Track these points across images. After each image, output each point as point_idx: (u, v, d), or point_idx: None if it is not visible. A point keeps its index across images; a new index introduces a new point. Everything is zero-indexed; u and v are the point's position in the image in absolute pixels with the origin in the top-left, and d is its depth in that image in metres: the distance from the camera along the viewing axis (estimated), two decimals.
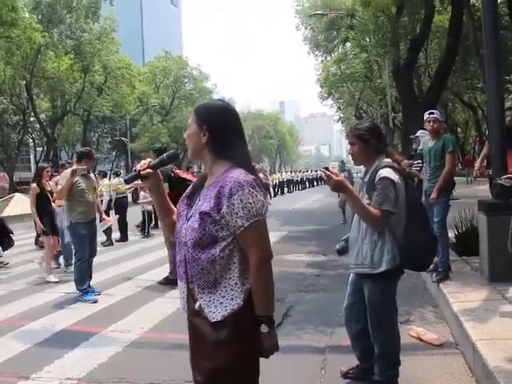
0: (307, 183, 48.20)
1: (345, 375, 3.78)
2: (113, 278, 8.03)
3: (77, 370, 4.13)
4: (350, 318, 3.65)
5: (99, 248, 8.52)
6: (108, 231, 11.22)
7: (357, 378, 3.71)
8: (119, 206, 13.02)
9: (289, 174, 44.65)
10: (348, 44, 31.16)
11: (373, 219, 3.15)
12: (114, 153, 60.90)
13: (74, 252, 6.91)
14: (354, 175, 16.43)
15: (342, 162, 18.47)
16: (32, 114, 42.84)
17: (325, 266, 8.40)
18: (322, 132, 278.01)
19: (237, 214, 1.96)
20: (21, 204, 16.16)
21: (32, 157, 56.35)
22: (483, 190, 4.92)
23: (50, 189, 8.43)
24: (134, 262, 9.29)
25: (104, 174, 14.44)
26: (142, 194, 12.04)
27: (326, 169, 3.08)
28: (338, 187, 3.09)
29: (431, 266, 5.18)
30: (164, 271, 7.64)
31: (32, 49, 34.24)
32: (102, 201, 10.72)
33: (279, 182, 36.79)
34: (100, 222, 7.72)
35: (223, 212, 1.98)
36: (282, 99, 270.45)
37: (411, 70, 19.24)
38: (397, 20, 18.30)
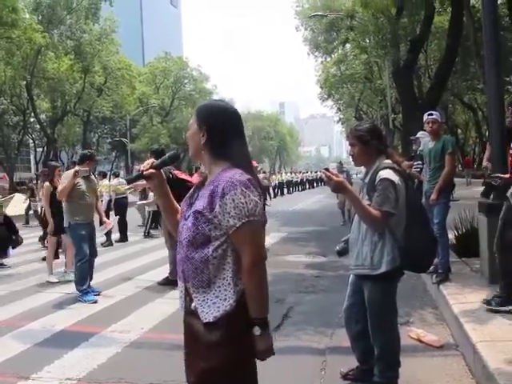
0: (307, 184, 48.17)
1: (345, 376, 3.77)
2: (113, 278, 8.03)
3: (77, 371, 4.13)
4: (350, 319, 3.65)
5: (99, 248, 8.51)
6: (108, 232, 11.22)
7: (357, 380, 3.70)
8: (119, 206, 13.03)
9: (288, 175, 44.65)
10: (348, 45, 31.20)
11: (373, 220, 3.15)
12: (113, 153, 60.93)
13: (74, 253, 6.92)
14: (353, 176, 16.45)
15: (340, 163, 18.49)
16: (32, 114, 42.86)
17: (325, 267, 8.40)
18: (321, 133, 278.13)
19: (229, 213, 1.95)
20: (19, 205, 16.20)
21: (32, 157, 56.40)
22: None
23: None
24: (134, 263, 9.29)
25: (104, 175, 14.43)
26: (151, 194, 12.02)
27: (327, 170, 3.08)
28: (338, 188, 3.09)
29: (431, 268, 5.18)
30: (164, 272, 7.64)
31: (32, 49, 34.23)
32: (101, 201, 10.70)
33: (279, 182, 36.80)
34: (100, 225, 7.71)
35: (216, 211, 1.97)
36: (282, 100, 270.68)
37: (411, 71, 19.25)
38: (397, 21, 18.31)
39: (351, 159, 3.56)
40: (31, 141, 51.17)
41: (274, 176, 38.17)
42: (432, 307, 5.69)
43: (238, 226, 1.95)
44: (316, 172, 54.10)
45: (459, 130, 46.51)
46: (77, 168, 6.88)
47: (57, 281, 7.69)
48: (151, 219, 13.63)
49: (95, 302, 6.51)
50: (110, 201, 12.94)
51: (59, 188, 6.97)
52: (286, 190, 38.64)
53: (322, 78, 40.87)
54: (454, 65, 18.47)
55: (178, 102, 59.89)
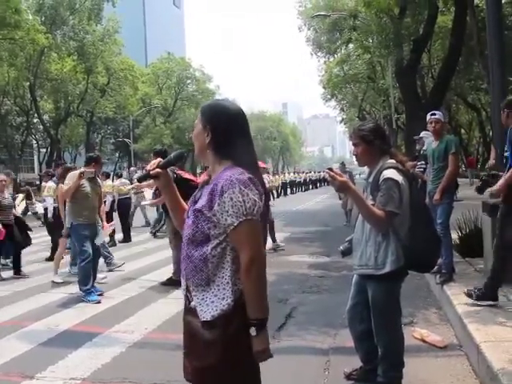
0: (310, 184, 48.14)
1: (348, 376, 3.77)
2: (116, 278, 8.05)
3: (81, 370, 4.15)
4: (354, 319, 3.65)
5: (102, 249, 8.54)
6: (111, 232, 11.23)
7: (360, 380, 3.70)
8: (122, 207, 13.03)
9: (292, 175, 44.61)
10: (351, 45, 31.11)
11: (377, 220, 3.15)
12: (116, 154, 61.06)
13: (77, 253, 6.93)
14: (356, 177, 16.44)
15: (343, 163, 18.47)
16: (35, 115, 42.99)
17: (328, 267, 8.39)
18: (324, 133, 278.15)
19: (227, 211, 1.95)
20: (21, 205, 16.23)
21: (36, 158, 56.52)
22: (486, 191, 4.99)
23: None
24: (138, 263, 9.30)
25: (107, 175, 14.45)
26: (148, 192, 12.02)
27: (331, 169, 3.08)
28: (342, 188, 3.09)
29: (435, 268, 5.17)
30: (167, 272, 7.64)
31: (35, 50, 34.34)
32: (105, 202, 10.69)
33: (282, 183, 36.78)
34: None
35: (215, 210, 1.98)
36: (285, 100, 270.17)
37: (414, 71, 19.21)
38: (400, 21, 18.26)
39: (355, 159, 3.56)
40: (35, 141, 51.33)
41: (277, 176, 38.17)
42: (436, 307, 5.69)
43: (235, 224, 1.95)
44: (319, 172, 54.07)
45: (462, 130, 46.43)
46: (82, 169, 6.90)
47: (61, 281, 7.70)
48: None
49: (99, 302, 6.52)
50: (113, 201, 12.94)
51: (64, 188, 6.99)
52: (289, 190, 38.63)
53: (325, 78, 40.84)
54: (457, 64, 18.42)
55: (180, 103, 60.02)
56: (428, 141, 7.13)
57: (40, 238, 11.79)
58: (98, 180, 7.32)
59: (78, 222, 6.76)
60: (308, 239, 12.04)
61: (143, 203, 9.78)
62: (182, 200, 2.35)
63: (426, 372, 3.91)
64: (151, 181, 2.32)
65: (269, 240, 10.16)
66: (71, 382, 3.93)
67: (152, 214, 14.71)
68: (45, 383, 3.94)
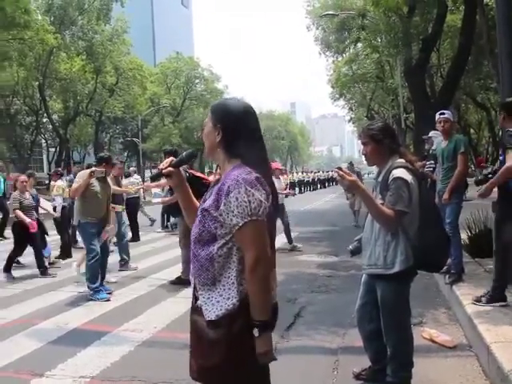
0: (318, 184, 48.09)
1: (357, 376, 3.76)
2: (125, 277, 8.08)
3: (90, 369, 4.17)
4: (363, 319, 3.64)
5: (111, 248, 8.56)
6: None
7: (369, 380, 3.69)
8: (130, 206, 13.05)
9: (300, 174, 44.58)
10: (359, 44, 31.03)
11: (386, 219, 3.14)
12: (125, 153, 61.22)
13: (86, 251, 6.96)
14: (365, 176, 16.38)
15: (351, 163, 18.41)
16: (45, 114, 43.23)
17: (337, 266, 8.38)
18: (333, 133, 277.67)
19: (232, 212, 1.95)
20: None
21: (45, 157, 56.80)
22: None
23: None
24: (146, 262, 9.33)
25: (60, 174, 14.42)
26: (154, 191, 12.05)
27: (340, 169, 3.07)
28: (351, 187, 3.09)
29: (444, 268, 5.15)
30: (176, 271, 7.67)
31: (44, 50, 34.53)
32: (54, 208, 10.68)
33: (290, 182, 36.76)
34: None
35: (221, 209, 1.98)
36: (293, 100, 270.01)
37: (423, 71, 19.11)
38: (409, 20, 18.17)
39: (364, 159, 3.55)
40: (44, 141, 51.57)
41: (285, 176, 38.18)
42: (445, 307, 5.66)
43: (240, 224, 1.95)
44: (327, 172, 53.98)
45: (472, 130, 46.13)
46: (93, 168, 6.94)
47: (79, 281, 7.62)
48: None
49: (107, 300, 6.56)
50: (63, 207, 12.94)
51: (73, 186, 7.03)
52: (297, 190, 38.60)
53: (334, 78, 40.73)
54: (466, 64, 18.30)
55: (189, 102, 60.09)
56: (437, 140, 7.11)
57: (49, 237, 11.84)
58: (108, 180, 7.34)
59: (86, 220, 6.80)
60: (316, 239, 12.03)
61: (154, 201, 9.79)
62: (194, 199, 2.35)
63: (436, 372, 3.89)
64: (162, 180, 2.33)
65: (284, 240, 10.19)
66: (80, 380, 3.95)
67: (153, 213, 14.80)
68: (54, 381, 3.96)
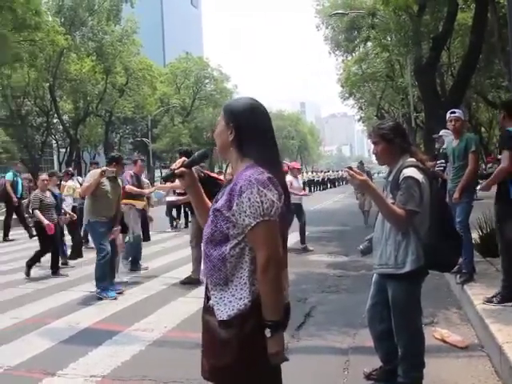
0: (328, 184, 47.98)
1: (368, 376, 3.75)
2: (136, 277, 8.11)
3: (101, 368, 4.19)
4: (374, 319, 3.63)
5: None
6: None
7: (380, 380, 3.68)
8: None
9: (310, 174, 44.50)
10: (369, 43, 30.90)
11: (397, 219, 3.12)
12: (135, 153, 61.43)
13: (96, 250, 7.00)
14: (375, 176, 16.31)
15: (361, 162, 18.35)
16: (55, 115, 43.49)
17: (347, 266, 8.36)
18: (343, 132, 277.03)
19: (245, 212, 1.95)
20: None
21: (55, 158, 57.10)
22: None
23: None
24: (157, 262, 9.35)
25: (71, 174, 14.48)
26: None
27: (350, 168, 3.07)
28: (362, 187, 3.08)
29: (455, 268, 5.13)
30: (187, 271, 7.68)
31: (55, 51, 34.74)
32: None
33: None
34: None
35: (233, 210, 1.98)
36: (303, 100, 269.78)
37: (434, 69, 18.99)
38: (419, 18, 18.08)
39: (375, 158, 3.53)
40: (54, 141, 51.87)
41: (286, 177, 38.14)
42: (456, 307, 5.63)
43: (253, 225, 1.95)
44: (337, 171, 53.84)
45: (483, 129, 45.80)
46: (104, 168, 6.97)
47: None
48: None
49: (115, 298, 6.62)
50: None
51: (84, 185, 7.07)
52: (307, 190, 38.53)
53: (343, 77, 40.61)
54: (477, 62, 18.17)
55: (198, 102, 60.18)
56: (448, 139, 7.07)
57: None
58: (119, 180, 7.37)
59: (96, 219, 6.83)
60: (326, 238, 12.00)
61: (168, 199, 9.80)
62: (207, 199, 2.35)
63: (447, 373, 3.87)
64: (176, 182, 2.33)
65: (294, 240, 10.17)
66: (92, 379, 3.98)
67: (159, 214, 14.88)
68: (66, 380, 3.98)
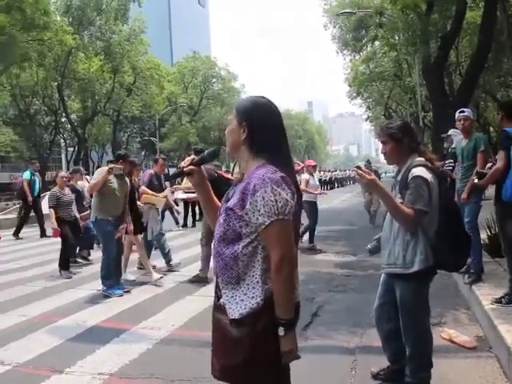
0: (336, 183, 47.91)
1: (375, 376, 3.74)
2: (143, 275, 8.10)
3: (108, 366, 4.20)
4: (381, 319, 3.61)
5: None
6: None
7: (387, 380, 3.67)
8: None
9: (317, 173, 44.44)
10: (377, 42, 30.77)
11: (405, 218, 3.11)
12: (142, 153, 61.62)
13: (101, 248, 7.01)
14: (382, 175, 16.25)
15: (368, 161, 18.28)
16: (63, 114, 43.75)
17: (354, 266, 8.33)
18: (350, 131, 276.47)
19: (259, 211, 1.95)
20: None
21: (63, 156, 57.40)
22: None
23: (137, 186, 8.25)
24: (164, 260, 9.34)
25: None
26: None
27: (359, 167, 3.05)
28: (370, 186, 3.07)
29: (463, 268, 5.10)
30: (195, 269, 7.71)
31: (63, 51, 34.93)
32: None
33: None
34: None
35: (247, 208, 1.98)
36: (310, 99, 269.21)
37: (442, 68, 18.88)
38: (427, 17, 17.97)
39: (383, 157, 3.52)
40: (62, 140, 52.15)
41: (302, 175, 38.11)
42: (464, 307, 5.61)
43: (267, 224, 1.95)
44: (344, 171, 53.72)
45: (491, 128, 45.56)
46: (111, 165, 6.99)
47: (161, 276, 7.69)
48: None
49: (121, 295, 6.67)
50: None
51: (91, 183, 7.09)
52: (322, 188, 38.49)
53: (351, 76, 40.51)
54: (486, 61, 18.05)
55: (206, 101, 60.25)
56: (456, 139, 7.03)
57: None
58: (127, 179, 7.38)
59: (103, 217, 6.85)
60: (333, 238, 11.98)
61: (178, 196, 9.81)
62: (215, 198, 2.35)
63: (455, 373, 3.85)
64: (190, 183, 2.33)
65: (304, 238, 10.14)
66: (99, 376, 3.99)
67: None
68: (73, 378, 4.00)
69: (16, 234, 13.84)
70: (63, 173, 9.02)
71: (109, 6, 41.38)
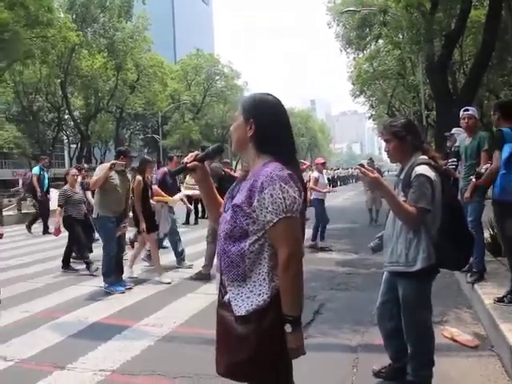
0: (338, 181, 47.85)
1: (377, 374, 3.73)
2: (145, 272, 8.13)
3: (110, 362, 4.21)
4: (383, 317, 3.61)
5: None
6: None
7: (389, 378, 3.66)
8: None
9: (325, 171, 44.37)
10: (380, 41, 30.73)
11: (408, 217, 3.10)
12: (145, 150, 61.71)
13: (102, 245, 7.02)
14: (385, 174, 16.22)
15: (371, 159, 18.24)
16: (66, 111, 43.86)
17: (356, 264, 8.33)
18: (353, 130, 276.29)
19: (266, 208, 1.95)
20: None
21: (66, 153, 57.60)
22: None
23: (150, 184, 8.07)
24: (167, 257, 9.33)
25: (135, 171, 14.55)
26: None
27: (362, 166, 3.04)
28: (373, 184, 3.06)
29: (466, 266, 5.10)
30: (197, 266, 7.70)
31: (67, 48, 35.01)
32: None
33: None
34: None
35: (254, 206, 1.97)
36: (313, 97, 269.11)
37: (445, 67, 18.83)
38: (431, 16, 17.93)
39: (386, 156, 3.51)
40: (65, 137, 52.27)
41: (304, 173, 38.06)
42: (466, 306, 5.59)
43: (274, 221, 1.95)
44: (347, 169, 53.63)
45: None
46: (113, 161, 6.98)
47: (170, 281, 7.34)
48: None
49: (123, 292, 6.67)
50: None
51: (93, 179, 7.08)
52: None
53: (354, 75, 40.43)
54: (490, 60, 18.00)
55: (209, 99, 60.28)
56: (460, 137, 7.01)
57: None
58: (128, 175, 7.38)
59: (105, 213, 6.84)
60: (335, 236, 11.95)
61: (185, 193, 9.81)
62: (217, 195, 2.35)
63: (457, 372, 3.84)
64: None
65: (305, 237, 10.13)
66: (101, 373, 3.99)
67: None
68: (75, 374, 4.00)
69: (29, 227, 13.94)
70: (74, 170, 8.93)
71: (112, 3, 41.45)
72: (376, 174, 3.04)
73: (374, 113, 50.43)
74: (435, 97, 20.11)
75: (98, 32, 43.05)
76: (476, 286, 5.57)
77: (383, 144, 3.48)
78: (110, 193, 6.85)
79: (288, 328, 1.96)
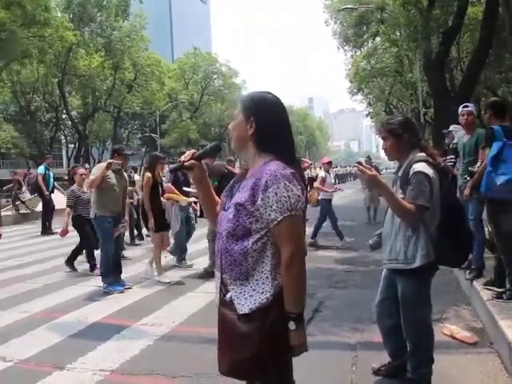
0: (336, 179, 47.85)
1: (376, 372, 3.74)
2: (144, 272, 8.11)
3: (109, 362, 4.20)
4: (382, 314, 3.61)
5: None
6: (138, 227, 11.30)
7: (389, 375, 3.66)
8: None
9: (318, 169, 44.38)
10: (378, 38, 30.75)
11: (407, 214, 3.10)
12: (143, 149, 61.63)
13: (100, 244, 7.01)
14: (383, 171, 16.22)
15: (369, 157, 18.26)
16: (64, 111, 43.74)
17: (355, 262, 8.33)
18: (351, 127, 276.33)
19: (271, 206, 1.95)
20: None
21: (64, 153, 57.44)
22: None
23: (161, 181, 7.98)
24: (167, 256, 9.34)
25: (135, 170, 14.50)
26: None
27: (360, 163, 3.04)
28: (371, 182, 3.06)
29: (465, 263, 5.10)
30: (196, 265, 7.70)
31: (64, 47, 34.91)
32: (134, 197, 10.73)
33: (308, 177, 36.57)
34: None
35: (258, 204, 1.97)
36: (311, 95, 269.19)
37: (443, 64, 18.82)
38: (428, 13, 17.91)
39: (384, 153, 3.51)
40: (63, 137, 52.15)
41: (319, 173, 38.04)
42: (465, 303, 5.60)
43: (279, 219, 1.95)
44: (345, 167, 53.61)
45: None
46: (110, 160, 6.96)
47: (169, 281, 7.31)
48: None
49: (122, 291, 6.67)
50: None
51: (90, 178, 7.05)
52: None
53: (352, 72, 40.44)
54: (487, 57, 18.00)
55: (207, 98, 60.23)
56: (459, 134, 7.01)
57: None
58: (125, 174, 7.35)
59: (103, 213, 6.82)
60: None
61: (186, 189, 9.77)
62: (214, 194, 2.34)
63: (456, 369, 3.85)
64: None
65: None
66: (100, 373, 3.99)
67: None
68: (75, 374, 3.99)
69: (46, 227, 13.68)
70: (82, 170, 8.87)
71: (109, 2, 41.36)
72: (374, 172, 3.04)
73: (371, 110, 50.45)
74: (433, 94, 20.11)
75: (95, 31, 42.93)
76: (475, 282, 5.58)
77: (381, 142, 3.48)
78: (107, 192, 6.82)
79: (291, 325, 1.97)
